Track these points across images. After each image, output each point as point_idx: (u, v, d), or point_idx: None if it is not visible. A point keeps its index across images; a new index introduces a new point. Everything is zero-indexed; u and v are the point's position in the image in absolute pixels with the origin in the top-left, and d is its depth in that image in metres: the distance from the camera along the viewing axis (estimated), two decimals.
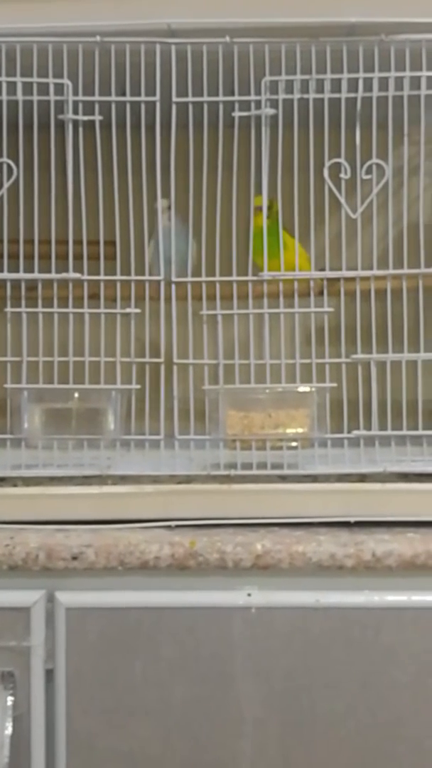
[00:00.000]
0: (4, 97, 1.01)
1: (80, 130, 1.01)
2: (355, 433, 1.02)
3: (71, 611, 0.93)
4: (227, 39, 0.98)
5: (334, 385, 1.02)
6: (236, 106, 1.01)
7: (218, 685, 0.92)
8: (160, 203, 1.04)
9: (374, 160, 1.01)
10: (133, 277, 1.03)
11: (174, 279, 1.02)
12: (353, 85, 1.00)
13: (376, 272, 1.02)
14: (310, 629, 0.92)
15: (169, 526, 0.98)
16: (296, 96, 1.00)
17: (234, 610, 0.93)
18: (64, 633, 0.93)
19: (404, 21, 0.98)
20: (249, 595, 0.93)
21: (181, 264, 1.05)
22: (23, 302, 1.02)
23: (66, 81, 1.00)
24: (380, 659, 0.92)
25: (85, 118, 1.01)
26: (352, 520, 0.99)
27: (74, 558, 0.93)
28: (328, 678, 0.92)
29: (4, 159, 1.01)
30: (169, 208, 1.06)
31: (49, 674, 0.93)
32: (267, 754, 0.92)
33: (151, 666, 0.92)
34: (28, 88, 1.01)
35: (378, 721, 0.92)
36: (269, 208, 1.06)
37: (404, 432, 1.02)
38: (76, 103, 1.01)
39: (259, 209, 1.05)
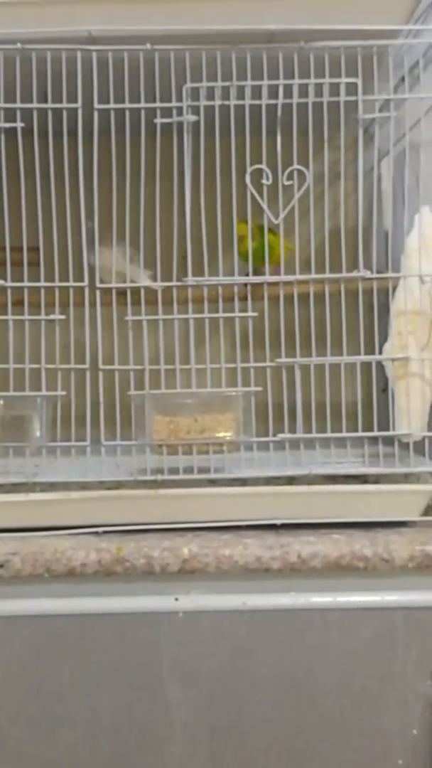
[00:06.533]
0: None
1: (2, 136, 1.01)
2: (281, 436, 1.03)
3: None
4: (148, 46, 0.99)
5: (260, 389, 1.02)
6: (158, 112, 1.01)
7: (146, 690, 0.92)
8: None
9: (295, 166, 1.01)
10: (57, 283, 1.02)
11: (98, 285, 1.02)
12: (273, 92, 1.01)
13: (298, 277, 1.03)
14: (237, 632, 0.93)
15: (96, 533, 0.98)
16: (217, 102, 1.01)
17: (161, 614, 0.93)
18: None
19: (323, 28, 0.98)
20: (176, 599, 0.93)
21: None
22: None
23: None
24: (306, 660, 0.93)
25: (7, 125, 1.01)
26: (278, 522, 0.99)
27: (0, 566, 0.93)
28: (256, 680, 0.93)
29: None
30: None
31: None
32: (196, 758, 0.92)
33: (79, 673, 0.92)
34: None
35: (305, 721, 0.93)
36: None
37: (329, 434, 1.03)
38: None
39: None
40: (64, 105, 1.01)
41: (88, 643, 0.93)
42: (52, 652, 0.92)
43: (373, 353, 1.05)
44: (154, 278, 1.04)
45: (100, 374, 1.02)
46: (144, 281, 1.03)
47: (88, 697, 0.92)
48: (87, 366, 1.02)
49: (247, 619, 0.93)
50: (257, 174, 1.02)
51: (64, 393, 1.02)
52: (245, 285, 1.05)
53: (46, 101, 1.01)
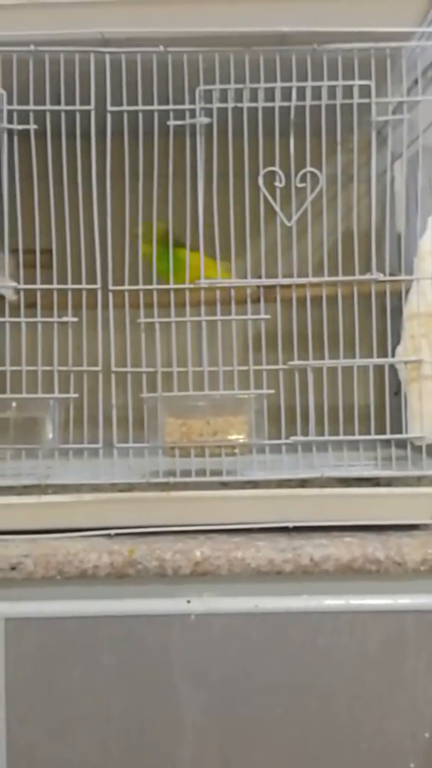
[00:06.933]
0: None
1: (15, 139, 1.01)
2: (293, 438, 1.02)
3: (10, 621, 0.93)
4: (161, 48, 0.99)
5: (272, 391, 1.02)
6: (171, 114, 1.01)
7: (157, 692, 0.92)
8: None
9: (308, 168, 1.01)
10: (70, 285, 1.02)
11: (111, 287, 1.02)
12: (286, 94, 1.01)
13: (311, 279, 1.03)
14: (249, 635, 0.93)
15: (108, 535, 0.99)
16: (230, 105, 1.01)
17: (173, 617, 0.93)
18: (3, 643, 0.92)
19: (336, 30, 0.98)
20: (188, 602, 0.93)
21: None
22: None
23: (0, 90, 1.00)
24: (318, 663, 0.93)
25: (20, 127, 1.01)
26: (290, 525, 0.99)
27: (13, 568, 0.93)
28: (267, 683, 0.93)
29: None
30: None
31: None
32: (206, 761, 0.92)
33: (90, 675, 0.92)
34: None
35: (316, 724, 0.93)
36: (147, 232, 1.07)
37: (341, 437, 1.03)
38: (10, 112, 1.01)
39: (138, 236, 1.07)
40: (77, 107, 1.01)
41: (100, 645, 0.93)
42: (63, 654, 0.93)
43: (385, 356, 1.05)
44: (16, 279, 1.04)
45: (113, 376, 1.02)
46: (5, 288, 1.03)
47: (99, 699, 0.93)
48: (99, 368, 1.02)
49: (259, 621, 0.93)
50: (270, 176, 1.01)
51: (76, 395, 1.02)
52: (258, 287, 1.05)
53: (59, 103, 1.01)
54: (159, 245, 1.06)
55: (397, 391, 1.06)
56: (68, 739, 0.92)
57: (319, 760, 0.93)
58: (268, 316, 1.03)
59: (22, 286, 1.02)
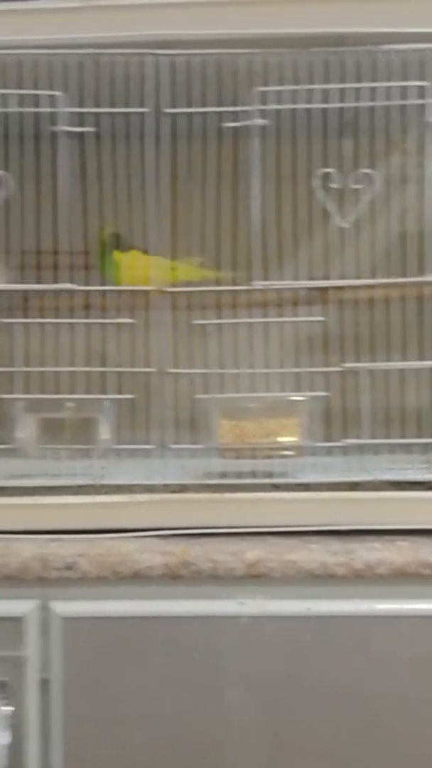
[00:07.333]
0: None
1: (73, 141, 1.02)
2: (346, 441, 1.02)
3: (65, 621, 0.93)
4: (217, 50, 0.99)
5: (325, 393, 1.02)
6: (227, 116, 1.01)
7: (209, 693, 0.93)
8: None
9: (363, 169, 1.01)
10: (126, 287, 1.03)
11: (168, 289, 1.03)
12: (342, 95, 1.01)
13: (366, 281, 1.03)
14: (302, 638, 0.93)
15: (162, 536, 0.99)
16: (286, 106, 1.01)
17: (226, 618, 0.93)
18: (59, 643, 0.93)
19: (393, 31, 0.98)
20: (241, 603, 0.94)
21: None
22: (19, 313, 1.03)
23: (58, 93, 1.01)
24: (371, 668, 0.93)
25: (78, 129, 1.02)
26: (342, 528, 0.99)
27: (68, 568, 0.94)
28: (319, 687, 0.93)
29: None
30: None
31: (45, 684, 0.94)
32: (257, 764, 0.93)
33: (143, 675, 0.93)
34: (21, 101, 1.01)
35: (369, 730, 0.93)
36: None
37: (394, 440, 1.02)
38: (68, 115, 1.01)
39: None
40: (134, 109, 1.01)
41: (153, 646, 0.93)
42: (117, 654, 0.93)
43: None
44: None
45: (167, 378, 1.02)
46: None
47: (150, 699, 0.93)
48: (154, 369, 1.02)
49: (312, 625, 0.93)
50: (325, 177, 1.01)
51: (131, 396, 1.03)
52: (311, 289, 1.04)
53: (115, 105, 1.02)
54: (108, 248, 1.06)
55: None
56: (120, 738, 0.93)
57: (371, 766, 0.93)
58: (322, 319, 1.02)
59: (78, 287, 1.02)
